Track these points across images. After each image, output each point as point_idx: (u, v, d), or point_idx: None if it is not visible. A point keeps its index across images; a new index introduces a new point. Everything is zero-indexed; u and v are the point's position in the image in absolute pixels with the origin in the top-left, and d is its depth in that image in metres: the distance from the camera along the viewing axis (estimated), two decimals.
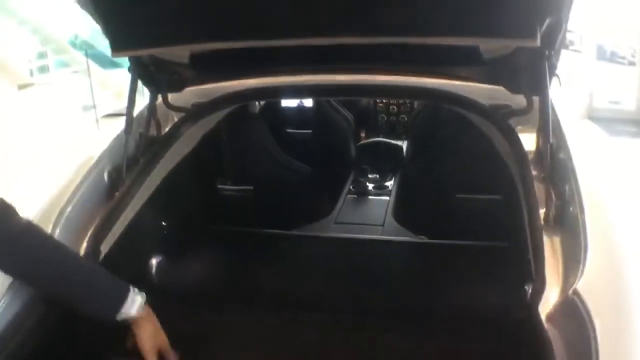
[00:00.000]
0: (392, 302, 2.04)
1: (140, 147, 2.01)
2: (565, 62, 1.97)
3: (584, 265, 1.33)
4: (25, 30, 9.50)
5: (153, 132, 2.08)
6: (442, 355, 1.81)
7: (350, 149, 3.09)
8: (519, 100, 1.93)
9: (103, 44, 10.87)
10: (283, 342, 1.91)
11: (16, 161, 5.14)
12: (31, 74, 8.94)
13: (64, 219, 1.71)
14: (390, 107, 3.57)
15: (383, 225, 2.54)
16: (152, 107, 2.07)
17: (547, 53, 1.67)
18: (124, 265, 1.92)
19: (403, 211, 2.55)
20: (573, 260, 1.39)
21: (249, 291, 2.20)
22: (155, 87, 2.08)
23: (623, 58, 6.68)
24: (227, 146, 2.53)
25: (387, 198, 2.78)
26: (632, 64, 6.42)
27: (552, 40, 1.62)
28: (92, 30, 11.16)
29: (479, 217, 2.24)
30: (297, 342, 1.90)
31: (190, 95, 2.24)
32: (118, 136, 2.01)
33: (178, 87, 2.15)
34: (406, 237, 2.41)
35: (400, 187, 2.74)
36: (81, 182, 1.84)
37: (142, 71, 1.99)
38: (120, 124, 1.99)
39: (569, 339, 1.26)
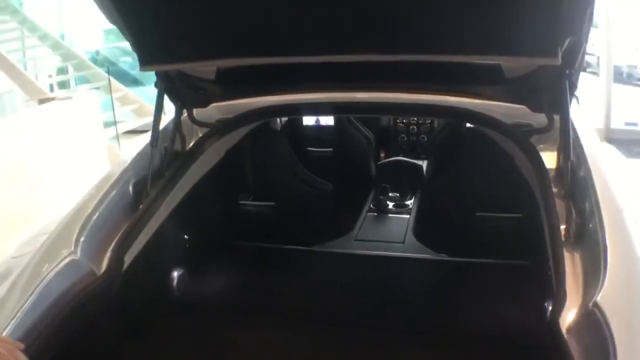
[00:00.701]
0: (412, 318, 2.04)
1: (165, 160, 2.06)
2: (583, 84, 2.00)
3: (603, 279, 1.35)
4: (46, 46, 9.63)
5: (177, 146, 2.13)
6: None
7: (371, 167, 3.11)
8: (539, 119, 1.97)
9: (124, 61, 11.08)
10: (303, 356, 1.92)
11: (37, 174, 5.20)
12: (51, 89, 9.04)
13: (88, 228, 1.75)
14: (410, 127, 3.59)
15: (403, 242, 2.55)
16: (177, 122, 2.11)
17: (567, 72, 1.71)
18: (146, 277, 1.96)
19: (423, 229, 2.56)
20: (593, 274, 1.41)
21: (270, 306, 2.22)
22: (181, 103, 2.12)
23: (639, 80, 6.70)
24: (250, 162, 2.57)
25: (407, 216, 2.79)
26: None
27: (573, 59, 1.66)
28: (113, 48, 11.38)
29: (499, 235, 2.25)
30: (317, 356, 1.92)
31: (214, 111, 2.30)
32: (143, 149, 2.06)
33: (203, 103, 2.20)
34: (426, 255, 2.42)
35: (421, 205, 2.76)
36: (106, 193, 1.89)
37: (169, 86, 2.03)
38: (139, 140, 2.03)
39: (589, 351, 1.27)
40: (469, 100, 2.11)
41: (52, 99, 6.53)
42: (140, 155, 2.06)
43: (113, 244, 1.77)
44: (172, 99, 2.10)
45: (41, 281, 1.55)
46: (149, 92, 9.80)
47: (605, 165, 1.87)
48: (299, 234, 2.49)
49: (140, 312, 1.98)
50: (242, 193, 2.74)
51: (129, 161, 2.04)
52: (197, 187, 2.15)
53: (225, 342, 2.00)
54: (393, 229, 2.71)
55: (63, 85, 9.85)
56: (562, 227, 1.62)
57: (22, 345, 1.32)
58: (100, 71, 9.07)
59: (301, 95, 2.23)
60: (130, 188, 1.93)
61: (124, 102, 8.55)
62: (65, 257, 1.65)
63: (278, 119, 2.95)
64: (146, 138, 2.03)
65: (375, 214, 2.85)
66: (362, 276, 2.33)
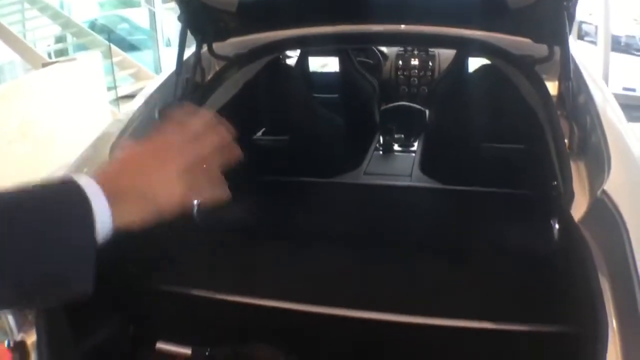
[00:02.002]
0: (424, 238, 2.12)
1: (187, 90, 2.13)
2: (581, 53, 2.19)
3: (609, 171, 1.48)
4: (46, 16, 9.64)
5: (198, 78, 2.21)
6: (477, 279, 1.90)
7: (375, 113, 3.17)
8: (540, 51, 2.07)
9: (121, 28, 11.06)
10: (322, 272, 2.01)
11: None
12: (49, 56, 9.05)
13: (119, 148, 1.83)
14: (412, 79, 3.66)
15: (410, 176, 2.63)
16: (198, 54, 2.19)
17: (566, 3, 1.81)
18: None
19: (430, 163, 2.62)
20: (598, 175, 1.53)
21: (285, 230, 2.29)
22: (202, 36, 2.19)
23: (638, 50, 6.77)
24: (265, 95, 2.63)
25: (413, 155, 2.87)
26: None
27: None
28: (111, 15, 11.37)
29: (505, 166, 2.35)
30: (335, 272, 2.00)
31: (232, 47, 2.37)
32: (167, 79, 2.16)
33: (223, 36, 2.28)
34: (434, 184, 2.50)
35: (426, 141, 2.83)
36: (133, 119, 1.97)
37: (191, 18, 2.10)
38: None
39: (602, 239, 1.37)
40: (470, 32, 2.19)
41: (56, 62, 6.57)
42: (164, 84, 2.15)
43: None
44: (193, 32, 2.16)
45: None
46: (145, 57, 9.87)
47: (604, 88, 2.01)
48: (310, 168, 2.57)
49: (160, 233, 2.05)
50: (257, 127, 2.81)
51: (154, 89, 2.12)
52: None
53: (244, 262, 2.08)
54: (400, 165, 2.77)
55: (61, 53, 9.84)
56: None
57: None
58: (99, 38, 9.10)
59: (319, 29, 2.31)
60: (156, 113, 2.00)
61: (122, 67, 8.61)
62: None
63: (288, 60, 3.01)
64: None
65: (381, 152, 2.92)
66: (374, 204, 2.40)
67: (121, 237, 1.66)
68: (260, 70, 2.44)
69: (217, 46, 2.29)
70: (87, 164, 1.79)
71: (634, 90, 6.18)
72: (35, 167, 4.66)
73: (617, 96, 2.58)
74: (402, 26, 2.28)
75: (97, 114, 5.93)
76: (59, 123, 5.46)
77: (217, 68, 2.34)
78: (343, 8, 2.12)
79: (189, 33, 2.14)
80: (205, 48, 2.25)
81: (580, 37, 6.41)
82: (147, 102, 2.06)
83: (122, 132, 1.88)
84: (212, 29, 2.22)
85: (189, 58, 2.21)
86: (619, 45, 6.65)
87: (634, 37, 6.85)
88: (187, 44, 2.15)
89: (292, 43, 2.43)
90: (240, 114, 2.48)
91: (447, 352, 1.70)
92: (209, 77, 2.27)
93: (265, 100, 2.63)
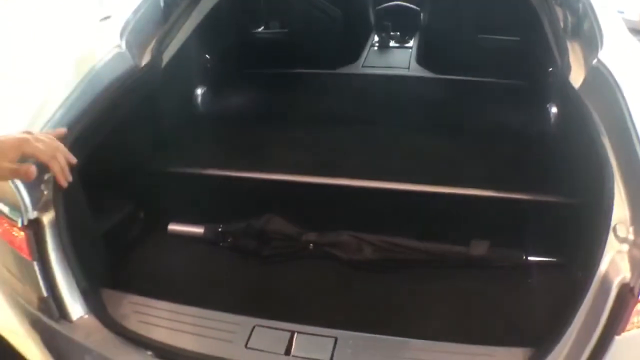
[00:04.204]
0: (423, 117, 2.18)
1: None
2: None
3: (602, 43, 1.58)
4: None
5: None
6: (479, 153, 1.96)
7: (369, 11, 3.13)
8: None
9: None
10: (328, 148, 2.07)
11: None
12: None
13: (130, 28, 1.84)
14: None
15: (408, 69, 2.65)
16: None
17: None
18: (173, 87, 2.03)
19: (426, 55, 2.65)
20: (591, 50, 1.62)
21: (290, 113, 2.35)
22: None
23: None
24: None
25: (410, 50, 2.88)
26: None
27: None
28: None
29: (500, 57, 2.37)
30: (339, 147, 2.06)
31: None
32: None
33: None
34: (432, 75, 2.53)
35: (422, 37, 2.83)
36: (140, 4, 1.95)
37: None
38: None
39: (600, 105, 1.45)
40: None
41: None
42: None
43: (152, 43, 1.87)
44: None
45: (90, 70, 1.63)
46: None
47: None
48: (310, 61, 2.57)
49: (169, 118, 2.07)
50: (257, 19, 2.80)
51: None
52: (218, 7, 2.21)
53: (251, 143, 2.12)
54: (397, 58, 2.78)
55: None
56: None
57: (63, 130, 1.39)
58: None
59: None
60: (162, 1, 2.01)
61: None
62: (113, 49, 1.73)
63: None
64: None
65: (378, 48, 2.92)
66: (374, 91, 2.45)
67: (131, 125, 1.69)
68: None
69: None
70: (99, 45, 1.79)
71: (622, 12, 6.16)
72: None
73: None
74: None
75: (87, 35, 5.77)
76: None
77: None
78: None
79: None
80: None
81: None
82: None
83: (131, 18, 1.87)
84: None
85: None
86: None
87: None
88: None
89: None
90: (242, 5, 2.45)
91: (450, 219, 1.75)
92: None
93: None
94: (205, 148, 2.08)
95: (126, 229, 1.81)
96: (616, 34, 1.70)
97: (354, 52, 2.71)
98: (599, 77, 1.48)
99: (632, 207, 1.23)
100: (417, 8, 2.96)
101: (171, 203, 1.90)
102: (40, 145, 1.25)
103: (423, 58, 2.63)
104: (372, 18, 3.01)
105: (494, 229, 1.70)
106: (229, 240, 1.79)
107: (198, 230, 1.83)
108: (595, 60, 1.53)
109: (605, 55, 1.53)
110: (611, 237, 1.20)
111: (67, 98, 1.53)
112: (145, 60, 1.82)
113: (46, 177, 1.38)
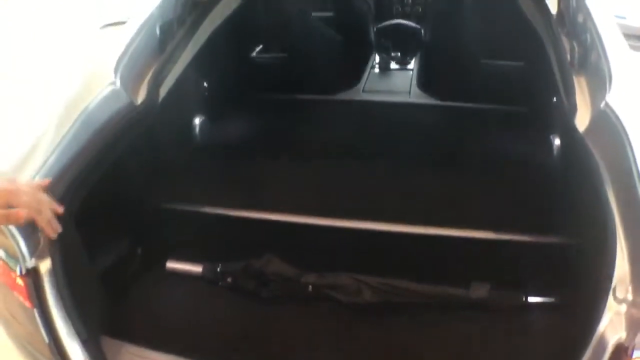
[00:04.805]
0: (423, 149, 2.16)
1: (186, 6, 2.06)
2: None
3: (610, 85, 1.50)
4: None
5: None
6: (479, 189, 1.95)
7: (370, 31, 3.12)
8: None
9: None
10: (326, 184, 2.05)
11: None
12: None
13: (124, 62, 1.79)
14: None
15: (409, 93, 2.63)
16: None
17: None
18: (171, 118, 2.01)
19: (428, 80, 2.63)
20: (599, 88, 1.55)
21: (289, 145, 2.32)
22: None
23: None
24: (264, 12, 2.58)
25: (411, 72, 2.86)
26: None
27: None
28: None
29: (504, 82, 2.35)
30: (338, 183, 2.05)
31: None
32: None
33: None
34: (434, 101, 2.51)
35: (424, 59, 2.81)
36: (136, 35, 1.90)
37: None
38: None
39: (605, 150, 1.40)
40: None
41: None
42: (163, 2, 2.05)
43: (148, 76, 1.82)
44: None
45: (84, 109, 1.59)
46: None
47: (604, 7, 1.96)
48: (309, 85, 2.55)
49: (166, 151, 2.05)
50: (256, 44, 2.78)
51: (155, 6, 2.03)
52: (214, 35, 2.17)
53: (249, 178, 2.10)
54: (398, 82, 2.76)
55: None
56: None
57: (46, 182, 1.37)
58: None
59: None
60: (157, 30, 1.94)
61: None
62: (107, 86, 1.69)
63: None
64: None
65: (379, 70, 2.90)
66: (374, 120, 2.43)
67: (126, 154, 1.67)
68: None
69: None
70: (93, 82, 1.75)
71: (624, 18, 6.11)
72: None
73: None
74: None
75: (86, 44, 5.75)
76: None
77: None
78: None
79: None
80: None
81: None
82: (147, 21, 1.99)
83: (125, 51, 1.82)
84: None
85: None
86: None
87: None
88: None
89: None
90: (239, 31, 2.43)
91: (449, 261, 1.74)
92: None
93: (264, 17, 2.58)
94: (204, 182, 2.06)
95: (124, 266, 1.79)
96: (625, 70, 1.62)
97: (355, 75, 2.69)
98: (606, 123, 1.44)
99: (632, 263, 1.20)
100: (418, 27, 2.93)
101: (169, 240, 1.88)
102: (24, 199, 1.25)
103: (424, 82, 2.61)
104: (372, 37, 2.99)
105: (494, 270, 1.69)
106: (228, 279, 1.78)
107: (196, 268, 1.82)
108: (603, 104, 1.48)
109: (614, 98, 1.48)
110: (610, 299, 1.19)
111: (60, 142, 1.49)
112: (142, 96, 1.78)
113: None
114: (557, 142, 2.07)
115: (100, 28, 6.85)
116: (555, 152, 2.07)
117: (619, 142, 1.35)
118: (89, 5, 7.15)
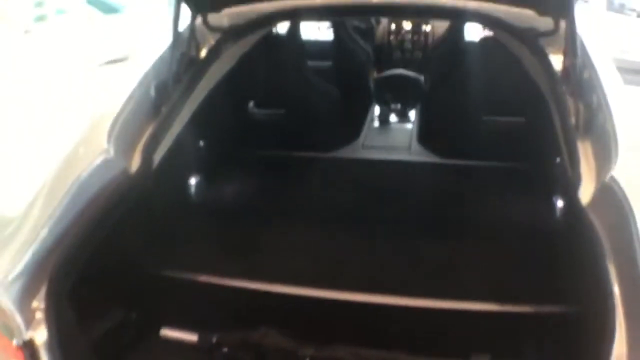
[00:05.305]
0: (424, 214, 2.14)
1: (182, 65, 2.03)
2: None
3: (616, 157, 1.45)
4: None
5: (193, 52, 2.11)
6: (479, 258, 1.92)
7: (369, 82, 3.11)
8: (545, 24, 2.00)
9: None
10: (322, 250, 2.02)
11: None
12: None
13: (117, 128, 1.75)
14: (405, 43, 3.58)
15: (409, 149, 2.61)
16: (192, 27, 2.09)
17: None
18: (166, 182, 1.98)
19: (428, 135, 2.61)
20: (604, 158, 1.51)
21: (286, 208, 2.29)
22: (196, 6, 2.08)
23: (633, 10, 6.67)
24: (261, 69, 2.57)
25: (410, 126, 2.84)
26: None
27: None
28: None
29: (506, 139, 2.33)
30: (337, 250, 2.02)
31: (226, 18, 2.26)
32: (163, 54, 2.04)
33: (218, 7, 2.17)
34: (434, 159, 2.48)
35: (424, 113, 2.79)
36: (130, 97, 1.87)
37: None
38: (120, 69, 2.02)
39: (609, 225, 1.36)
40: (472, 3, 2.11)
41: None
42: (160, 58, 2.04)
43: (142, 144, 1.78)
44: (187, 3, 2.05)
45: (76, 179, 1.56)
46: (126, 19, 9.57)
47: (610, 65, 1.95)
48: (308, 141, 2.53)
49: (161, 216, 2.01)
50: (253, 100, 2.75)
51: (149, 65, 2.02)
52: (212, 93, 2.15)
53: (246, 243, 2.07)
54: (398, 137, 2.75)
55: (41, 18, 9.55)
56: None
57: None
58: (78, 1, 8.84)
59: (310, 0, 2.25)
60: (152, 91, 1.92)
61: (103, 31, 8.36)
62: (100, 154, 1.65)
63: (281, 31, 2.94)
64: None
65: (378, 124, 2.88)
66: (374, 180, 2.40)
67: (120, 222, 1.64)
68: (256, 43, 2.36)
69: (212, 17, 2.19)
70: (85, 149, 1.72)
71: (628, 52, 6.09)
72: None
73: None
74: None
75: (82, 81, 5.78)
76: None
77: (211, 40, 2.24)
78: None
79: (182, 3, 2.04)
80: (199, 19, 2.15)
81: None
82: (141, 82, 1.96)
83: (119, 115, 1.79)
84: None
85: (184, 31, 2.12)
86: (612, 5, 6.55)
87: None
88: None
89: (289, 14, 2.34)
90: (237, 88, 2.42)
91: (450, 332, 1.71)
92: (203, 51, 2.17)
93: (260, 73, 2.56)
94: (200, 247, 2.03)
95: (118, 334, 1.76)
96: (633, 140, 1.56)
97: (354, 129, 2.67)
98: (611, 198, 1.39)
99: (630, 344, 1.17)
100: (419, 76, 2.92)
101: (164, 307, 1.85)
102: None
103: (425, 138, 2.59)
104: (371, 87, 2.98)
105: (494, 340, 1.67)
106: (223, 350, 1.73)
107: (191, 337, 1.77)
108: (609, 177, 1.43)
109: (620, 172, 1.42)
110: None
111: (52, 214, 1.46)
112: (136, 163, 1.74)
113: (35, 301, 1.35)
114: (559, 205, 2.04)
115: (100, 65, 6.92)
116: (557, 216, 2.04)
117: (623, 218, 1.31)
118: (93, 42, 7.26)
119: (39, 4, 9.92)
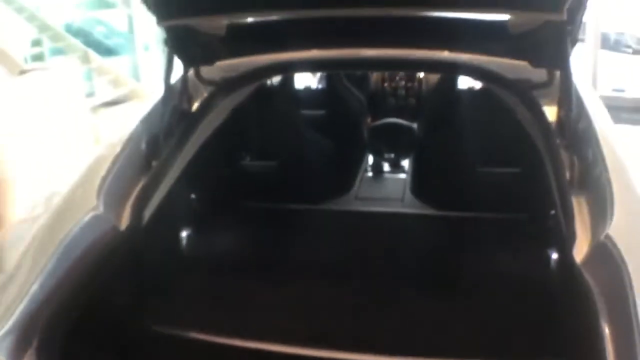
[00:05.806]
0: (418, 270, 2.11)
1: (174, 119, 2.01)
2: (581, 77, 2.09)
3: (612, 215, 1.40)
4: (22, 18, 9.38)
5: (185, 105, 2.09)
6: (473, 315, 1.88)
7: (363, 131, 3.10)
8: (538, 75, 1.99)
9: (98, 31, 10.81)
10: (315, 306, 1.98)
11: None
12: (25, 61, 8.82)
13: (107, 184, 1.73)
14: (398, 90, 3.56)
15: (402, 200, 2.58)
16: (185, 80, 2.08)
17: (569, 28, 1.73)
18: (157, 237, 1.94)
19: (421, 187, 2.60)
20: (600, 214, 1.46)
21: (278, 262, 2.25)
22: (189, 60, 2.07)
23: (628, 47, 6.72)
24: (253, 121, 2.56)
25: (404, 176, 2.83)
26: (637, 52, 6.48)
27: (575, 16, 1.69)
28: (87, 18, 11.12)
29: (501, 190, 2.31)
30: (330, 306, 1.97)
31: (219, 71, 2.25)
32: (153, 107, 2.03)
33: (210, 61, 2.16)
34: (428, 211, 2.46)
35: (417, 163, 2.78)
36: (121, 151, 1.85)
37: (178, 43, 1.99)
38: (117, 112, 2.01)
39: (605, 281, 1.32)
40: (466, 56, 2.12)
41: (31, 70, 6.36)
42: (150, 112, 2.03)
43: (132, 199, 1.76)
44: (180, 56, 2.05)
45: (66, 235, 1.54)
46: (123, 61, 9.66)
47: (605, 117, 1.93)
48: (301, 193, 2.52)
49: (152, 271, 1.98)
50: (245, 153, 2.73)
51: (140, 118, 2.01)
52: (204, 146, 2.13)
53: (237, 297, 2.04)
54: (391, 187, 2.75)
55: (38, 57, 9.60)
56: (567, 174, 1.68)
57: None
58: (76, 42, 8.89)
59: (303, 54, 2.25)
60: (143, 146, 1.90)
61: (100, 73, 8.42)
62: (89, 212, 1.63)
63: (274, 82, 2.94)
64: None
65: (372, 174, 2.88)
66: (367, 233, 2.39)
67: (110, 278, 1.59)
68: (249, 95, 2.34)
69: (204, 70, 2.18)
70: (74, 205, 1.70)
71: (623, 91, 6.12)
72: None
73: (606, 98, 2.55)
74: (396, 52, 2.19)
75: (78, 124, 5.75)
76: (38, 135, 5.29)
77: (206, 94, 2.21)
78: (333, 32, 2.04)
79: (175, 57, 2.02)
80: (191, 72, 2.13)
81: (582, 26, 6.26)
82: (132, 135, 1.93)
83: (109, 170, 1.77)
84: (200, 52, 2.10)
85: (176, 84, 2.10)
86: (607, 43, 6.59)
87: (622, 33, 6.77)
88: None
89: (282, 68, 2.34)
90: (229, 140, 2.40)
91: None
92: (195, 103, 2.15)
93: (253, 125, 2.56)
94: (190, 303, 2.01)
95: None
96: (629, 197, 1.53)
97: (348, 180, 2.65)
98: (606, 257, 1.35)
99: None
100: (412, 125, 2.90)
101: None
102: None
103: (418, 189, 2.58)
104: (365, 136, 2.96)
105: None
106: None
107: None
108: (604, 235, 1.38)
109: (616, 231, 1.37)
110: None
111: (42, 270, 1.44)
112: (125, 219, 1.71)
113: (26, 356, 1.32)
114: (554, 260, 2.00)
115: (91, 109, 6.92)
116: (552, 272, 2.00)
117: (617, 278, 1.27)
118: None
119: (35, 43, 10.00)
